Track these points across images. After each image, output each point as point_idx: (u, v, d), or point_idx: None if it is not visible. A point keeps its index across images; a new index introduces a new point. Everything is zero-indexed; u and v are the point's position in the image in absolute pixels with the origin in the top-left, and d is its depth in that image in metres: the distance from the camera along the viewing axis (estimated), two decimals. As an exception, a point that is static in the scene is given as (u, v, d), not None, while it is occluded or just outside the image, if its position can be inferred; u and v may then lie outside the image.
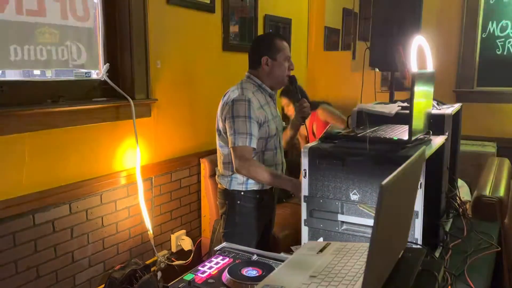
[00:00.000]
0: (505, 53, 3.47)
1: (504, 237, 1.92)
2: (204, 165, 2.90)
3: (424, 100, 1.49)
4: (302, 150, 1.45)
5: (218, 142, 2.13)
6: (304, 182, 1.45)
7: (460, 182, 3.15)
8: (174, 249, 2.79)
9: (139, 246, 2.55)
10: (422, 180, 1.26)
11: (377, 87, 3.71)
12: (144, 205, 2.47)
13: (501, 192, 2.01)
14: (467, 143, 3.25)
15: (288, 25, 3.94)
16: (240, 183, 2.08)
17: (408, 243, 1.01)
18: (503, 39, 3.46)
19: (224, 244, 1.24)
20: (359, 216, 1.31)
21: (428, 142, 1.43)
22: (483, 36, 3.53)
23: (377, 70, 3.01)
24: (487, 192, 2.01)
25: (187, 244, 2.81)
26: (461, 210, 1.81)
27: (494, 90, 3.52)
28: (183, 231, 2.87)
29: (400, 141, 1.35)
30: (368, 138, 1.44)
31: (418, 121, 1.43)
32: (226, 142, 2.04)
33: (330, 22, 4.49)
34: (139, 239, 2.55)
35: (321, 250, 0.96)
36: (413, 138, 1.36)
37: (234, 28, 3.24)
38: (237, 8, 3.25)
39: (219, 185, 2.17)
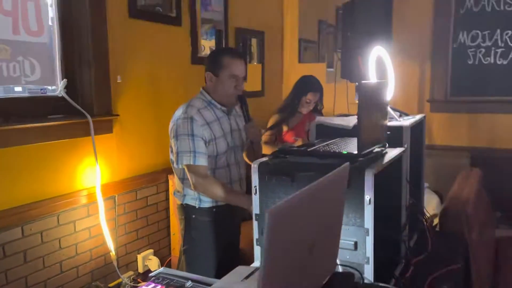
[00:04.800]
0: (476, 62, 3.47)
1: (472, 253, 1.86)
2: (173, 181, 2.81)
3: (377, 111, 1.44)
4: (252, 165, 1.39)
5: (171, 158, 2.07)
6: (255, 199, 1.38)
7: (430, 194, 3.09)
8: (141, 270, 2.69)
9: (102, 268, 2.45)
10: (371, 195, 1.20)
11: (351, 98, 3.69)
12: (106, 225, 2.37)
13: (468, 206, 1.96)
14: (440, 154, 3.21)
15: (262, 37, 3.90)
16: (194, 198, 2.04)
17: (343, 266, 0.94)
18: (474, 49, 3.46)
19: (161, 269, 1.17)
20: (309, 235, 1.25)
21: (381, 155, 1.37)
22: (454, 46, 3.53)
23: (348, 81, 2.97)
24: (454, 205, 1.96)
25: (154, 264, 2.71)
26: (426, 224, 1.75)
27: (466, 100, 3.51)
28: (151, 250, 2.77)
29: (349, 155, 1.30)
30: (319, 153, 1.38)
31: (371, 134, 1.37)
32: None
33: (306, 34, 4.47)
34: (102, 260, 2.44)
35: (246, 277, 0.89)
36: (364, 152, 1.31)
37: (204, 41, 3.18)
38: (207, 21, 3.21)
39: (176, 201, 2.12)
